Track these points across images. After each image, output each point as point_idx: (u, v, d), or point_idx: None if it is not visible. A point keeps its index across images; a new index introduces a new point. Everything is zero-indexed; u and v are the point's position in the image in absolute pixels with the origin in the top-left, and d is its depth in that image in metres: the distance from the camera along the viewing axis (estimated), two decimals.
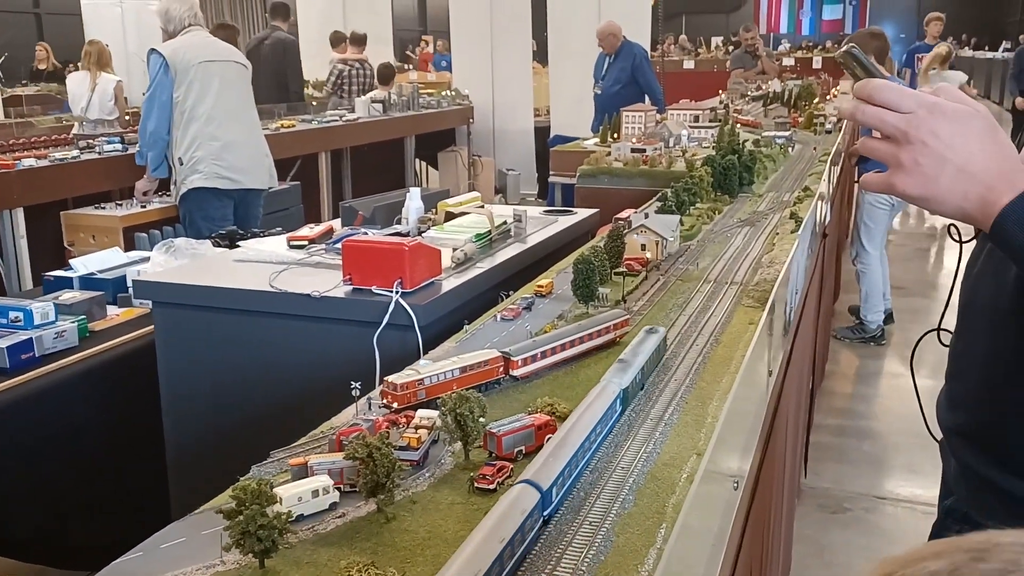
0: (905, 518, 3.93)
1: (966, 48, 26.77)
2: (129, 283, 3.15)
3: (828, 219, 4.06)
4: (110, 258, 3.52)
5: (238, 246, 3.48)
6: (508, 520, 0.99)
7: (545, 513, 1.10)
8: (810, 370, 3.93)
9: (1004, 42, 25.85)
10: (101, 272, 3.32)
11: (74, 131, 6.68)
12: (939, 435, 1.40)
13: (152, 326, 2.78)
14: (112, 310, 3.07)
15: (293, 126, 7.40)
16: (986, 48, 25.93)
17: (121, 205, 5.29)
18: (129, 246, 4.57)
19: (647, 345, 1.56)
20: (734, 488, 1.38)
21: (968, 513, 1.28)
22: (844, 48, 1.15)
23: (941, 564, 0.43)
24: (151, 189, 5.20)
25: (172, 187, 5.07)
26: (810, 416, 4.28)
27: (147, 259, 3.41)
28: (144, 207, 5.22)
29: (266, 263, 2.45)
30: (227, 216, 5.02)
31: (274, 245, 2.68)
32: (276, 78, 8.40)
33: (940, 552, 0.44)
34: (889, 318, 6.15)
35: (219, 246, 3.55)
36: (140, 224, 5.05)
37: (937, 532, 1.38)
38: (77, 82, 7.53)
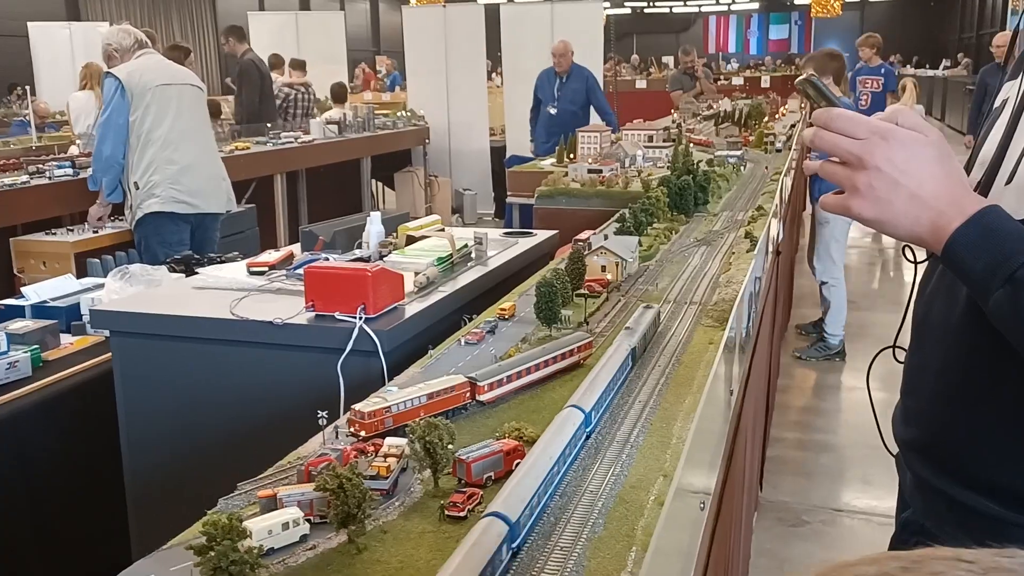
0: (862, 530, 4.00)
1: (908, 66, 27.50)
2: (83, 311, 3.10)
3: (781, 237, 4.14)
4: (63, 285, 3.45)
5: (195, 272, 3.45)
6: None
7: (514, 545, 1.11)
8: (766, 386, 3.99)
9: (944, 60, 26.62)
10: (54, 300, 3.26)
11: (71, 149, 6.80)
12: (895, 449, 1.44)
13: (108, 354, 2.75)
14: (66, 338, 3.01)
15: (248, 148, 7.35)
16: (927, 66, 26.66)
17: (72, 231, 5.19)
18: (81, 272, 4.49)
19: (646, 317, 1.93)
20: (701, 508, 1.40)
21: (924, 525, 1.32)
22: (804, 76, 1.19)
23: (872, 570, 0.45)
24: (105, 214, 5.12)
25: (127, 212, 5.00)
26: (766, 430, 4.34)
27: (101, 286, 3.35)
28: (96, 232, 5.14)
29: (226, 290, 2.43)
30: (184, 240, 4.96)
31: (233, 271, 2.65)
32: (252, 98, 8.58)
33: (875, 560, 0.46)
34: (841, 351, 6.22)
35: (175, 272, 3.51)
36: (92, 250, 4.96)
37: (895, 545, 1.42)
38: (82, 101, 7.82)
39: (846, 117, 1.12)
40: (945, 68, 24.41)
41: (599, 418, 1.51)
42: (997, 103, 1.29)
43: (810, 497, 4.26)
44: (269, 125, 8.28)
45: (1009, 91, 1.26)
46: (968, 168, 1.27)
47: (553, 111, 8.35)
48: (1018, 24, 1.37)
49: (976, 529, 1.19)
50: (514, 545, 1.10)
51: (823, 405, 5.50)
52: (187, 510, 1.32)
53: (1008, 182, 1.15)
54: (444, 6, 11.37)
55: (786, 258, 5.36)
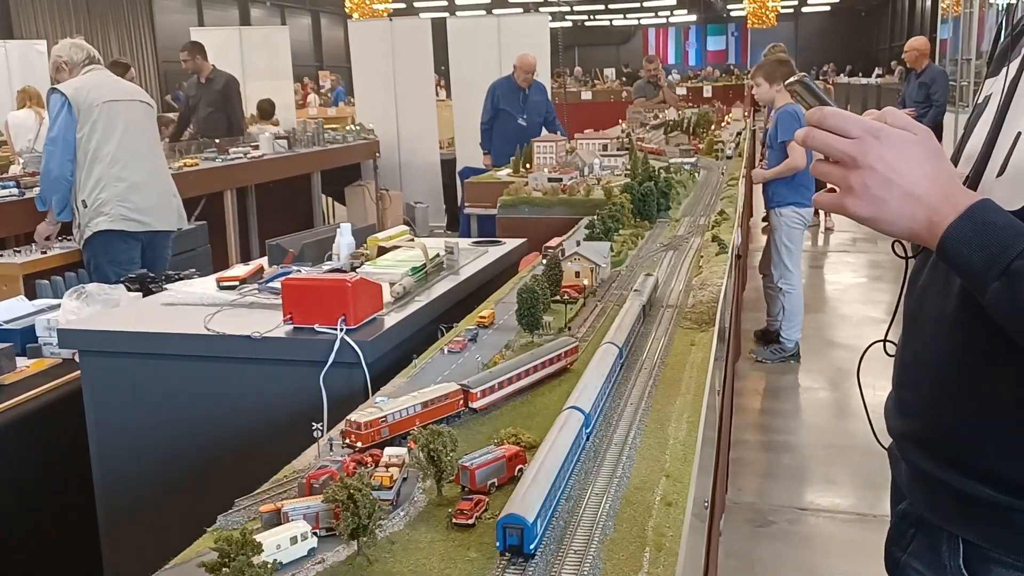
0: (827, 527, 4.06)
1: (841, 75, 28.20)
2: (39, 332, 3.00)
3: (740, 241, 4.20)
4: (15, 307, 3.34)
5: (151, 290, 3.36)
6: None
7: (531, 547, 1.10)
8: (731, 389, 4.04)
9: (876, 68, 27.36)
10: (7, 322, 3.15)
11: (12, 168, 6.70)
12: (887, 442, 1.45)
13: (69, 376, 2.66)
14: (21, 361, 2.91)
15: (197, 164, 7.22)
16: (860, 75, 27.37)
17: (20, 252, 5.03)
18: (31, 294, 4.35)
19: (649, 282, 2.28)
20: (705, 508, 1.40)
21: (923, 516, 1.33)
22: (795, 78, 1.21)
23: None
24: (53, 233, 4.97)
25: (75, 231, 4.86)
26: (729, 433, 4.39)
27: (56, 307, 3.25)
28: (45, 253, 4.98)
29: (197, 305, 2.38)
30: (134, 259, 4.84)
31: (203, 287, 2.60)
32: (224, 115, 8.48)
33: None
34: (796, 354, 6.32)
35: (131, 290, 3.43)
36: (41, 271, 4.80)
37: (893, 537, 1.43)
38: (20, 119, 7.99)
39: (839, 116, 1.13)
40: (877, 76, 25.10)
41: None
42: (980, 99, 1.33)
43: (775, 497, 4.31)
44: (217, 141, 8.15)
45: (992, 87, 1.29)
46: (955, 161, 1.30)
47: (523, 123, 8.39)
48: (999, 24, 1.42)
49: (979, 518, 1.20)
50: (531, 547, 1.10)
51: (781, 407, 5.57)
52: (164, 532, 1.28)
53: (999, 174, 1.17)
54: (390, 20, 11.33)
55: (742, 262, 5.44)
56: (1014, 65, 1.24)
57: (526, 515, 1.10)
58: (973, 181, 1.23)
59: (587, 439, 1.44)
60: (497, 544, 1.11)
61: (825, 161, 1.16)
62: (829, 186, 1.18)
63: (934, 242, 1.10)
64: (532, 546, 1.10)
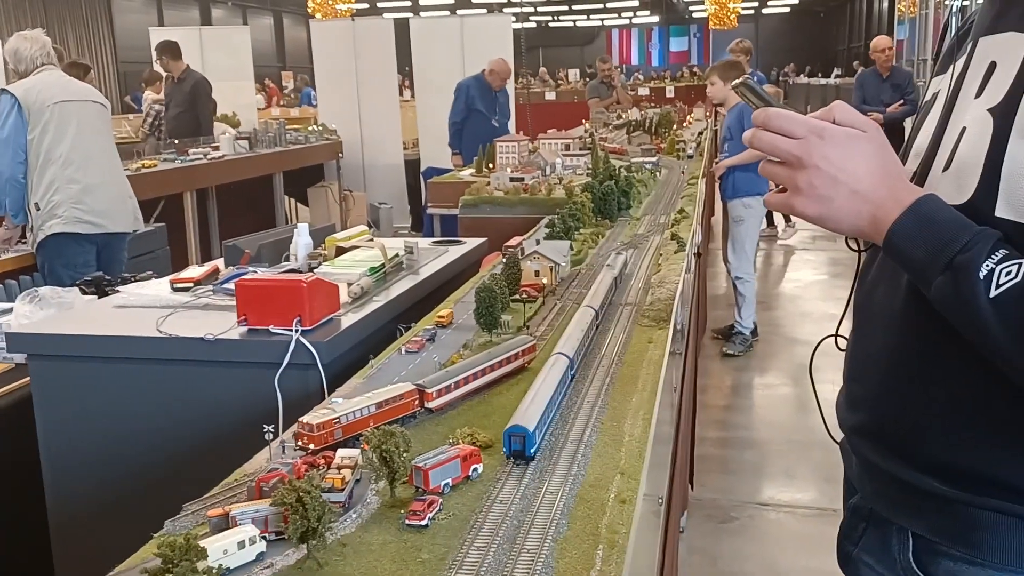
0: (787, 522, 4.09)
1: (801, 76, 28.53)
2: None
3: (700, 239, 4.23)
4: None
5: (107, 293, 3.30)
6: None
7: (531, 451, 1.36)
8: (692, 386, 4.06)
9: (835, 68, 27.71)
10: None
11: None
12: (839, 436, 1.46)
13: (19, 381, 2.60)
14: None
15: (155, 166, 7.12)
16: (819, 75, 27.70)
17: None
18: None
19: (619, 259, 2.54)
20: (659, 504, 1.40)
21: (873, 510, 1.34)
22: (740, 80, 1.21)
23: None
24: (14, 236, 4.87)
25: (28, 234, 4.77)
26: (693, 430, 4.41)
27: (9, 311, 3.18)
28: None
29: (150, 308, 2.34)
30: (90, 262, 4.75)
31: (156, 289, 2.56)
32: (194, 116, 8.45)
33: None
34: (755, 332, 6.44)
35: (86, 293, 3.36)
36: None
37: (845, 531, 1.44)
38: None
39: (784, 116, 1.14)
40: (836, 76, 25.42)
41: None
42: (928, 96, 1.34)
43: (736, 493, 4.34)
44: (176, 141, 8.04)
45: (939, 84, 1.30)
46: (904, 159, 1.31)
47: (496, 124, 8.41)
48: (946, 23, 1.44)
49: (926, 510, 1.21)
50: (531, 451, 1.36)
51: (743, 403, 5.63)
52: (115, 538, 1.26)
53: (945, 169, 1.18)
54: (352, 20, 11.26)
55: (703, 261, 5.48)
56: (959, 63, 1.26)
57: (528, 425, 1.36)
58: (921, 177, 1.25)
59: (571, 380, 1.68)
60: (504, 450, 1.37)
61: (772, 162, 1.17)
62: (779, 186, 1.19)
63: (880, 238, 1.11)
64: (533, 450, 1.36)
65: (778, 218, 9.98)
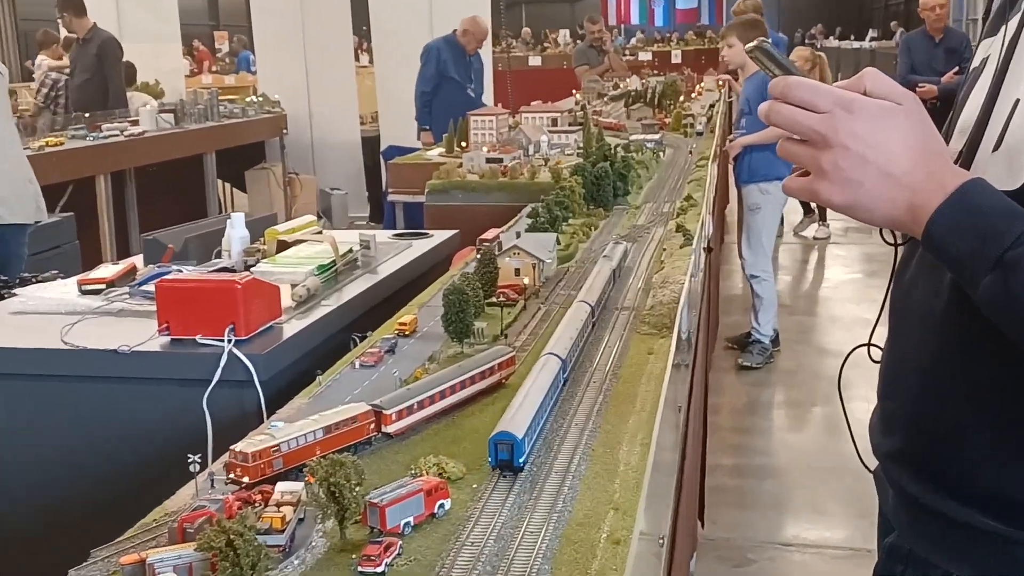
0: (816, 565, 4.12)
1: (831, 38, 28.74)
2: None
3: (711, 231, 4.25)
4: None
5: (2, 297, 3.30)
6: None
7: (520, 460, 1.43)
8: (703, 405, 4.08)
9: (871, 31, 27.91)
10: None
11: None
12: (872, 464, 1.47)
13: None
14: None
15: (62, 144, 7.08)
16: (852, 38, 27.90)
17: None
18: None
19: (618, 249, 2.60)
20: (660, 545, 1.41)
21: (912, 550, 1.35)
22: (755, 43, 1.20)
23: None
24: None
25: None
26: (703, 457, 4.44)
27: None
28: None
29: (53, 314, 2.35)
30: None
31: (60, 291, 2.57)
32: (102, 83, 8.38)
33: None
34: (775, 340, 6.47)
35: None
36: None
37: (880, 575, 1.45)
38: None
39: (805, 86, 1.13)
40: (872, 39, 25.63)
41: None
42: (976, 63, 1.35)
43: (754, 531, 4.36)
44: (87, 115, 7.99)
45: (989, 49, 1.31)
46: (947, 137, 1.32)
47: (473, 94, 8.40)
48: None
49: (975, 550, 1.22)
50: (520, 461, 1.43)
51: (759, 423, 5.66)
52: None
53: (995, 148, 1.19)
54: None
55: (715, 257, 5.51)
56: (1013, 22, 1.26)
57: (516, 432, 1.42)
58: (966, 158, 1.25)
59: (563, 384, 1.77)
60: (489, 460, 1.44)
61: (793, 140, 1.16)
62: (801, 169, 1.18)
63: (919, 229, 1.11)
64: (522, 460, 1.42)
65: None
